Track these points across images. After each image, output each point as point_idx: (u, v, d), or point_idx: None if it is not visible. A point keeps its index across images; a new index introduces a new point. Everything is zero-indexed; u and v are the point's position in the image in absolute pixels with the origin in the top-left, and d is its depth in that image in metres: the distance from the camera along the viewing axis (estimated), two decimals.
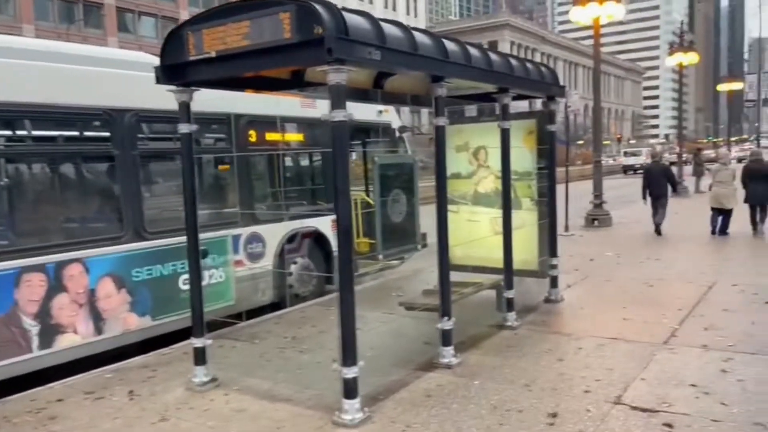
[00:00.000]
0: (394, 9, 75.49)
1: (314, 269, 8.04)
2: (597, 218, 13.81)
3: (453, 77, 5.03)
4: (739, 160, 27.58)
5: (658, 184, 12.19)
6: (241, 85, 5.36)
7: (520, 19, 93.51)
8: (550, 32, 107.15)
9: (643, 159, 35.14)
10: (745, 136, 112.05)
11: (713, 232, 11.70)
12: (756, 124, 62.16)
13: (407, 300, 5.95)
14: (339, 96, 3.92)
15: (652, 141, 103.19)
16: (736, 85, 40.19)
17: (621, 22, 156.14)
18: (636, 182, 23.99)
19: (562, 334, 5.82)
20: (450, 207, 8.01)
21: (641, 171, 18.37)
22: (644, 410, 4.00)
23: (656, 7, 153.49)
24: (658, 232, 12.09)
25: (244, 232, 7.00)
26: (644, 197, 12.33)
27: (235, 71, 4.41)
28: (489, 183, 7.40)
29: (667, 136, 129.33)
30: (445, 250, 5.06)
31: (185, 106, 4.71)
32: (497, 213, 7.32)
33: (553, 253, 7.10)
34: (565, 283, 7.83)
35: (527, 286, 7.16)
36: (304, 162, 8.76)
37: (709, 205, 11.90)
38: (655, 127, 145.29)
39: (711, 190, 12.06)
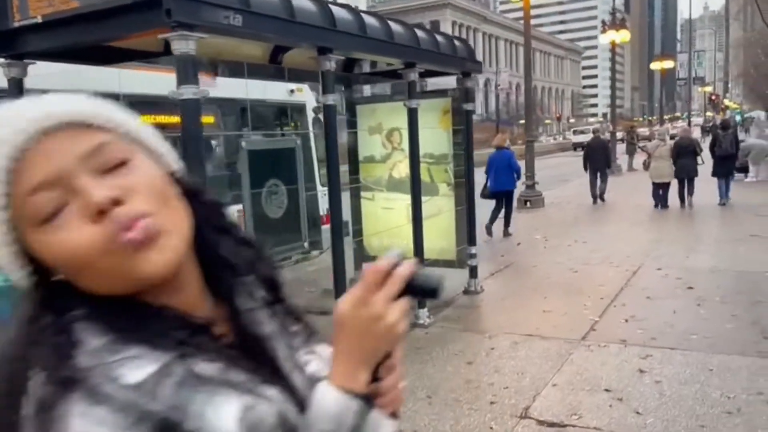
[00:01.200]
0: None
1: None
2: (529, 199, 13.54)
3: (343, 49, 4.42)
4: (672, 137, 28.47)
5: (598, 157, 13.74)
6: (98, 58, 4.55)
7: None
8: (491, 12, 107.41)
9: (591, 136, 36.49)
10: (678, 114, 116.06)
11: (656, 206, 12.20)
12: (687, 102, 64.23)
13: (303, 303, 5.28)
14: (186, 69, 3.24)
15: (591, 119, 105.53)
16: (668, 63, 41.07)
17: (560, 2, 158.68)
18: (576, 161, 24.30)
19: (476, 332, 5.35)
20: (364, 194, 7.48)
21: None
22: (552, 425, 3.55)
23: None
24: (602, 199, 13.67)
25: None
26: (585, 169, 13.97)
27: (67, 40, 3.65)
28: (404, 167, 6.84)
29: (605, 115, 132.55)
30: (338, 245, 4.47)
31: (15, 83, 3.91)
32: None
33: (472, 241, 6.62)
34: (488, 270, 7.42)
35: (446, 277, 6.68)
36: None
37: (651, 180, 12.42)
38: (594, 106, 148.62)
39: (649, 166, 12.54)
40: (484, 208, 9.36)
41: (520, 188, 13.82)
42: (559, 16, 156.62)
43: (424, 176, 6.75)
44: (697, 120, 59.74)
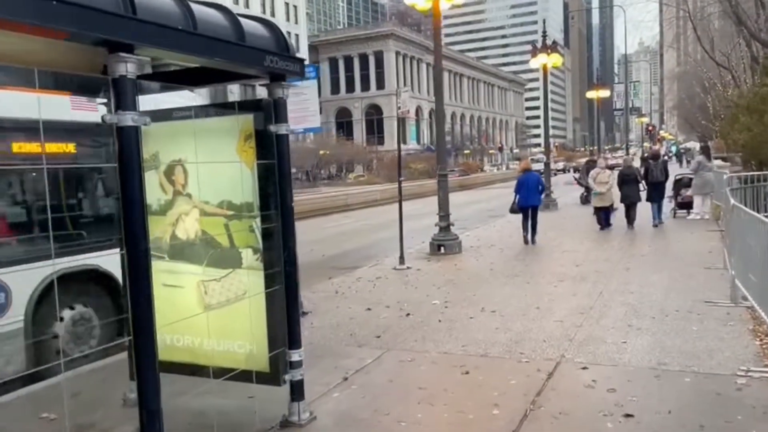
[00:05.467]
0: (272, 14, 71.94)
1: (97, 322, 5.72)
2: (443, 244, 11.29)
3: None
4: (611, 168, 27.50)
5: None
6: None
7: (406, 30, 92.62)
8: None
9: (542, 165, 36.99)
10: (617, 145, 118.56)
11: (601, 228, 13.37)
12: (625, 133, 64.74)
13: None
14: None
15: (534, 150, 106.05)
16: (603, 92, 40.40)
17: (504, 36, 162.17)
18: (505, 195, 22.57)
19: None
20: None
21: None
22: None
23: (534, 22, 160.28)
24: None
25: None
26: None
27: None
28: (192, 222, 4.43)
29: (548, 145, 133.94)
30: None
31: None
32: (210, 273, 4.42)
33: (294, 341, 4.19)
34: (345, 369, 5.03)
35: (258, 396, 4.25)
36: (87, 179, 6.13)
37: (593, 205, 13.82)
38: (538, 136, 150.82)
39: (587, 197, 14.18)
40: None
41: (432, 230, 11.68)
42: (502, 49, 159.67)
43: (220, 238, 4.36)
44: (635, 150, 59.93)
